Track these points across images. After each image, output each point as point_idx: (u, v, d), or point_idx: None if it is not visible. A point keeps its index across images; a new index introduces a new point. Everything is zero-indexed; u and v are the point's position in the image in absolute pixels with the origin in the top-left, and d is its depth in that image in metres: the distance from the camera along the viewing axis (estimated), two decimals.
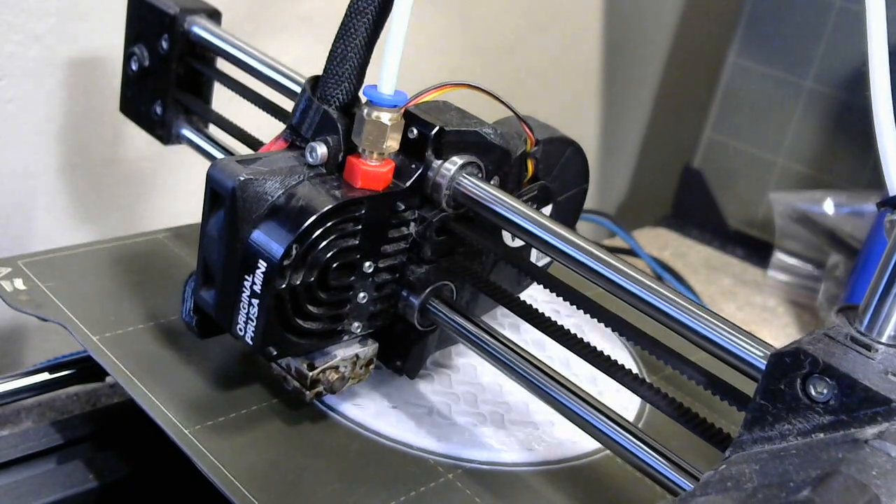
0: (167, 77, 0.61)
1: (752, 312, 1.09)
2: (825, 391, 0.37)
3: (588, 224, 1.11)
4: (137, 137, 0.79)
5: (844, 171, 1.18)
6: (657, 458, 0.44)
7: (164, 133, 0.62)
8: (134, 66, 0.61)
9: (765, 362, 0.39)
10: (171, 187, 0.84)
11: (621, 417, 0.45)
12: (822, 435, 0.38)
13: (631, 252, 1.03)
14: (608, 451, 0.52)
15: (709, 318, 0.42)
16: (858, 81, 1.15)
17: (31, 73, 0.71)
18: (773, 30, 1.18)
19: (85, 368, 0.58)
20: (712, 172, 1.24)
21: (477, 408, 0.54)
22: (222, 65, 0.61)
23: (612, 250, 1.01)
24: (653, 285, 0.43)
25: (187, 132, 0.62)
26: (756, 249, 1.20)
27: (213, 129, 0.63)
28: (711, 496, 0.36)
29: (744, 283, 1.16)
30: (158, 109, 0.61)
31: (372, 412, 0.52)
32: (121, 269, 0.61)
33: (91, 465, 0.55)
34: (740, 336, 0.41)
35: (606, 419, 0.45)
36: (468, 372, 0.56)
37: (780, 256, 1.17)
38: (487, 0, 1.05)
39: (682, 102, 1.36)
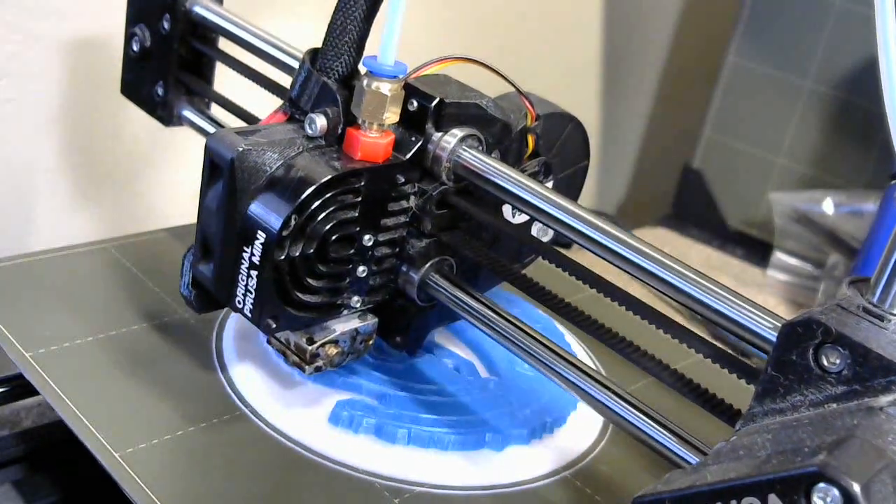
0: (169, 58, 0.60)
1: None
2: (838, 361, 0.36)
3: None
4: (138, 136, 0.79)
5: (844, 171, 1.18)
6: (664, 433, 0.43)
7: (166, 114, 0.61)
8: (135, 47, 0.60)
9: (775, 334, 0.38)
10: (172, 187, 0.83)
11: (628, 393, 0.44)
12: (834, 405, 0.37)
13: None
14: (566, 473, 0.51)
15: (718, 290, 0.41)
16: (858, 81, 1.15)
17: (30, 73, 0.70)
18: (773, 30, 1.17)
19: (19, 386, 0.54)
20: (712, 172, 1.24)
21: (429, 428, 0.51)
22: (224, 44, 0.60)
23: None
24: (662, 259, 0.42)
25: (189, 113, 0.61)
26: (756, 249, 1.19)
27: (215, 110, 0.62)
28: (724, 464, 0.35)
29: (744, 283, 1.15)
30: (160, 90, 0.60)
31: (317, 432, 0.49)
32: (63, 281, 0.58)
33: (21, 489, 0.52)
34: (750, 308, 0.40)
35: (613, 395, 0.44)
36: (422, 391, 0.53)
37: (779, 256, 1.16)
38: (486, 9, 1.04)
39: (682, 102, 1.35)
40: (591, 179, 1.32)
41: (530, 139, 0.51)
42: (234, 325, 0.57)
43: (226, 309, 0.57)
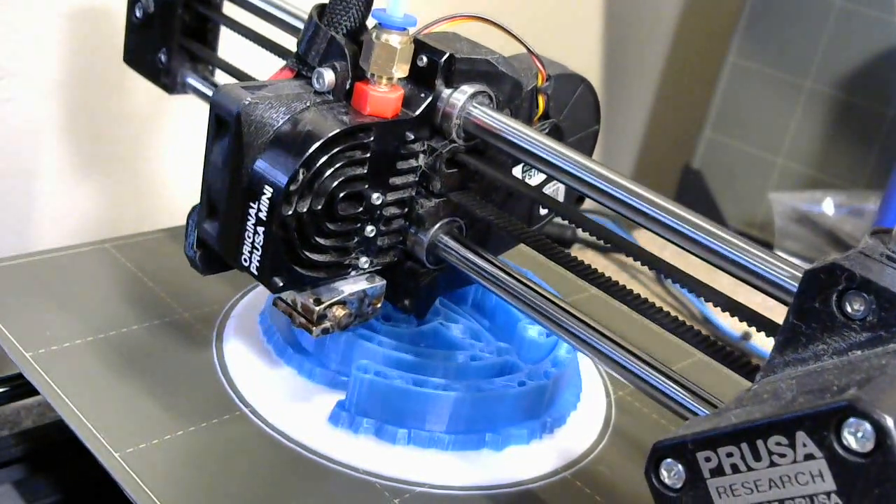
0: (172, 24, 0.59)
1: None
2: (862, 307, 0.35)
3: None
4: (139, 138, 0.78)
5: (844, 171, 1.18)
6: (682, 393, 0.42)
7: (170, 81, 0.60)
8: (138, 14, 0.59)
9: (795, 284, 0.37)
10: (173, 187, 0.83)
11: (647, 354, 0.43)
12: (859, 352, 0.36)
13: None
14: (566, 474, 0.51)
15: (737, 241, 0.40)
16: (858, 81, 1.15)
17: (30, 73, 0.69)
18: (773, 30, 1.17)
19: (19, 386, 0.54)
20: (712, 172, 1.24)
21: (427, 428, 0.50)
22: (229, 9, 0.59)
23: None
24: (681, 213, 0.42)
25: (193, 80, 0.60)
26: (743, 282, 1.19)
27: (219, 77, 0.61)
28: (748, 407, 0.34)
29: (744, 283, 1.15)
30: (163, 57, 0.59)
31: (316, 432, 0.49)
32: (62, 280, 0.57)
33: (21, 489, 0.52)
34: (769, 259, 0.39)
35: (632, 357, 0.43)
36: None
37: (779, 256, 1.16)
38: (486, 2, 1.04)
39: (682, 102, 1.35)
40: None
41: (541, 99, 0.50)
42: (234, 325, 0.56)
43: (226, 308, 0.58)
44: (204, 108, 0.46)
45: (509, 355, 0.53)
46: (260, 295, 0.60)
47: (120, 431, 0.46)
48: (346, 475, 0.47)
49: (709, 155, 1.24)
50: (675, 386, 0.42)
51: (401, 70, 0.45)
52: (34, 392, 0.52)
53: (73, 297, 0.56)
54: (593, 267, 0.45)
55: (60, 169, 0.74)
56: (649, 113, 1.38)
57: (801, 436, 0.31)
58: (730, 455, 0.33)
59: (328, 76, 0.45)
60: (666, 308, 0.43)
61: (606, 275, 0.45)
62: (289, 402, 0.50)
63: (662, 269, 0.43)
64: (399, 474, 0.48)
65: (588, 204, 0.55)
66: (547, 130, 0.50)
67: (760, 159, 1.21)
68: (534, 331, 0.54)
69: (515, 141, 0.45)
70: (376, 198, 0.46)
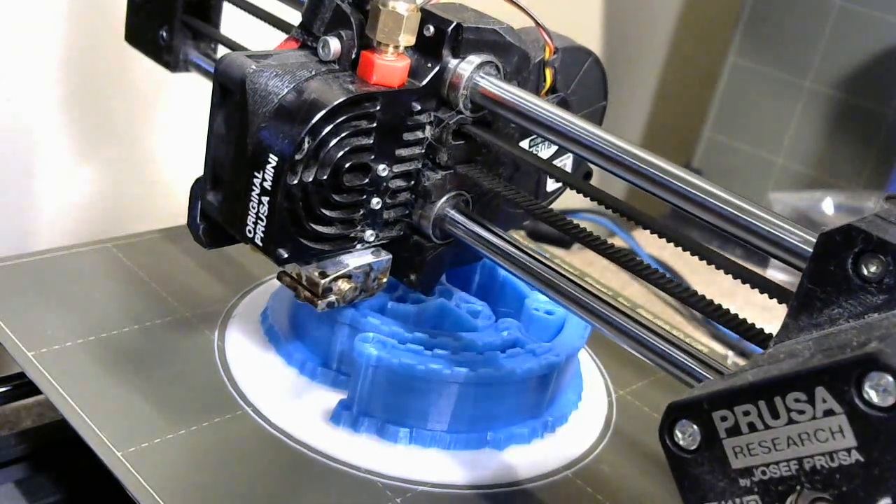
0: (174, 0, 0.58)
1: (753, 312, 1.06)
2: (879, 269, 0.35)
3: (587, 224, 1.09)
4: (140, 137, 0.78)
5: (844, 171, 1.18)
6: (698, 367, 0.41)
7: (172, 59, 0.59)
8: None
9: (809, 249, 0.37)
10: (174, 187, 0.82)
11: (659, 326, 0.43)
12: (876, 315, 0.35)
13: (630, 252, 1.01)
14: (567, 473, 0.50)
15: (749, 207, 0.40)
16: (858, 81, 1.14)
17: (30, 72, 0.69)
18: (773, 30, 1.17)
19: (21, 385, 0.54)
20: (712, 172, 1.23)
21: (428, 426, 0.50)
22: None
23: None
24: (693, 179, 0.41)
25: (195, 58, 0.60)
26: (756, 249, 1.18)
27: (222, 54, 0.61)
28: (764, 367, 0.33)
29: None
30: (165, 34, 0.59)
31: (318, 431, 0.49)
32: (64, 280, 0.57)
33: (23, 488, 0.52)
34: (781, 223, 0.39)
35: (645, 329, 0.43)
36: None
37: None
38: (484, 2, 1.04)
39: (682, 102, 1.35)
40: (593, 179, 1.31)
41: (548, 73, 0.50)
42: (236, 324, 0.56)
43: (227, 307, 0.57)
44: (207, 105, 0.46)
45: (516, 332, 0.52)
46: (262, 294, 0.59)
47: (122, 430, 0.46)
48: (348, 474, 0.47)
49: (709, 155, 1.23)
50: (690, 359, 0.41)
51: (407, 39, 0.44)
52: (34, 392, 0.52)
53: (75, 297, 0.56)
54: (602, 238, 0.45)
55: (61, 168, 0.74)
56: (649, 113, 1.38)
57: (820, 391, 0.30)
58: (747, 413, 0.32)
59: (334, 45, 0.45)
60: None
61: (616, 246, 0.44)
62: (290, 401, 0.50)
63: (669, 237, 0.42)
64: (401, 473, 0.47)
65: (584, 203, 0.55)
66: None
67: (760, 159, 1.21)
68: (540, 310, 0.54)
69: (524, 111, 0.45)
70: (382, 169, 0.46)
